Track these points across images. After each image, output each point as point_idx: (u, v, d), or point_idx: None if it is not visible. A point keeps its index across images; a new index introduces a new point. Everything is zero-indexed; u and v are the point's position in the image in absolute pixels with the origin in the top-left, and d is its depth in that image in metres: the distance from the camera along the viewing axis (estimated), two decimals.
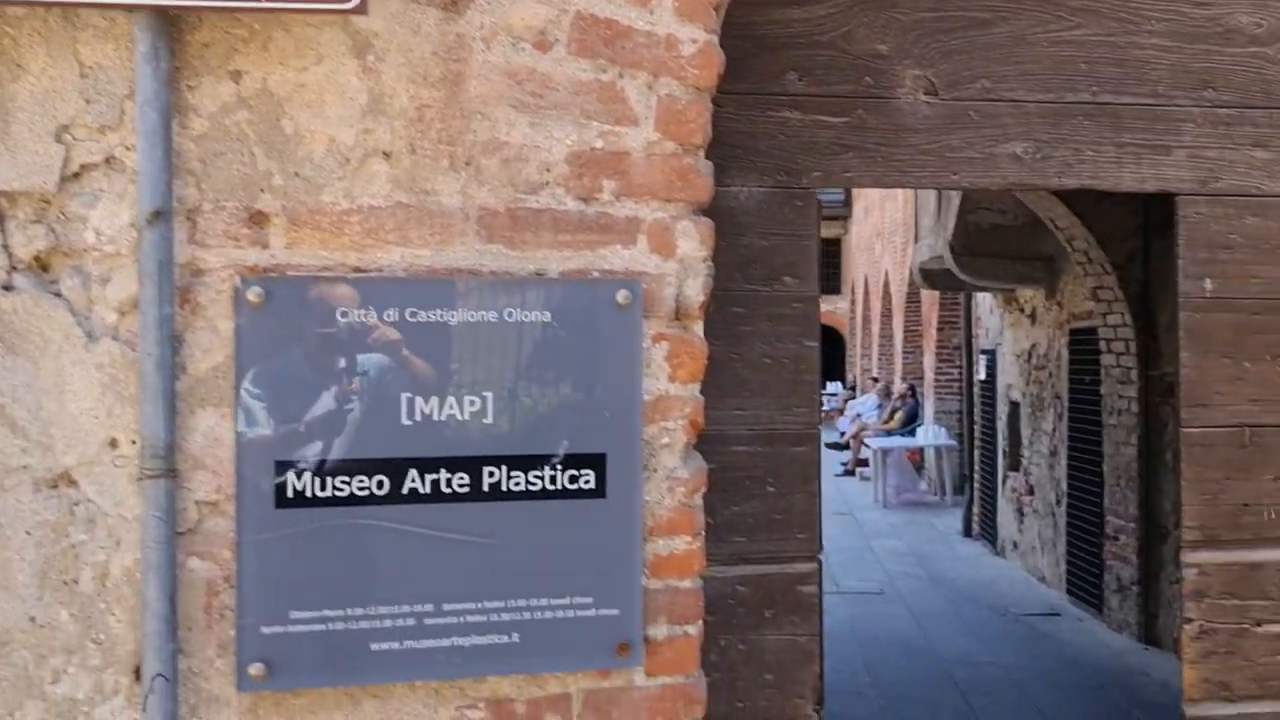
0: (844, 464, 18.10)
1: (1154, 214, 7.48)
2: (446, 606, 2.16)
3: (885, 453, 14.82)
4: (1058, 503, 9.35)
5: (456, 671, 2.17)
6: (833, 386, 29.45)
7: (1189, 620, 2.80)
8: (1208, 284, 2.90)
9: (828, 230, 31.03)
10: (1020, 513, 10.43)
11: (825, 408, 28.01)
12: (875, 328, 23.20)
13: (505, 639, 2.19)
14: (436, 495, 2.15)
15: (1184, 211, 2.89)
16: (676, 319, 2.29)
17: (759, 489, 2.75)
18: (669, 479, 2.28)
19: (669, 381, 2.28)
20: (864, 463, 17.03)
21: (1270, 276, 2.88)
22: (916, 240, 11.02)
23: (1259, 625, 2.79)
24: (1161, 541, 7.50)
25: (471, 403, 2.16)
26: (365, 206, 2.15)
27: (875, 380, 21.02)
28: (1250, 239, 2.88)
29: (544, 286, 2.20)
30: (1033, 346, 10.04)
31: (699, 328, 2.31)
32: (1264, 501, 2.79)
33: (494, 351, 2.18)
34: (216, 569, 2.10)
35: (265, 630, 2.08)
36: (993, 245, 9.49)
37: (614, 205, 2.24)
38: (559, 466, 2.21)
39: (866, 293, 25.18)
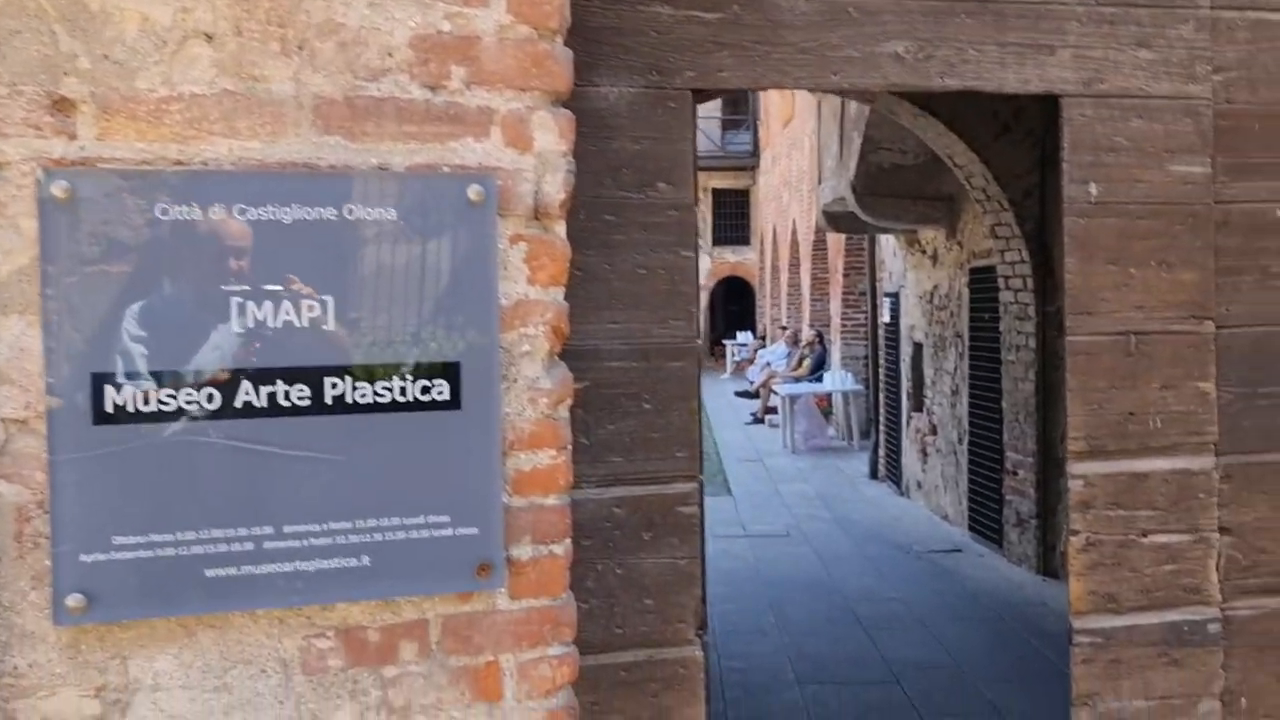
0: (754, 412, 18.16)
1: (1050, 149, 7.50)
2: (288, 529, 2.00)
3: (793, 399, 14.86)
4: (959, 441, 9.43)
5: (301, 598, 2.01)
6: (743, 337, 29.55)
7: (1075, 533, 2.74)
8: (1092, 189, 2.84)
9: (736, 181, 31.06)
10: (924, 453, 10.51)
11: (736, 358, 28.13)
12: (784, 277, 23.26)
13: (355, 562, 2.03)
14: (274, 409, 1.98)
15: (1068, 114, 2.82)
16: (535, 218, 2.13)
17: (635, 406, 2.62)
18: (530, 389, 2.14)
19: (528, 285, 2.13)
20: (773, 410, 17.08)
21: (1155, 181, 2.82)
22: (820, 182, 10.98)
23: (1145, 536, 2.75)
24: (1059, 474, 7.58)
25: (310, 308, 1.99)
26: (186, 94, 1.95)
27: (784, 329, 21.09)
28: (1135, 141, 2.81)
29: (389, 181, 2.03)
30: (934, 287, 10.08)
31: (560, 228, 2.16)
32: (1149, 410, 2.74)
33: (334, 252, 2.00)
34: (28, 493, 1.90)
35: (85, 558, 1.90)
36: (894, 185, 9.47)
37: (464, 94, 2.08)
38: (409, 377, 2.05)
39: (775, 243, 25.23)
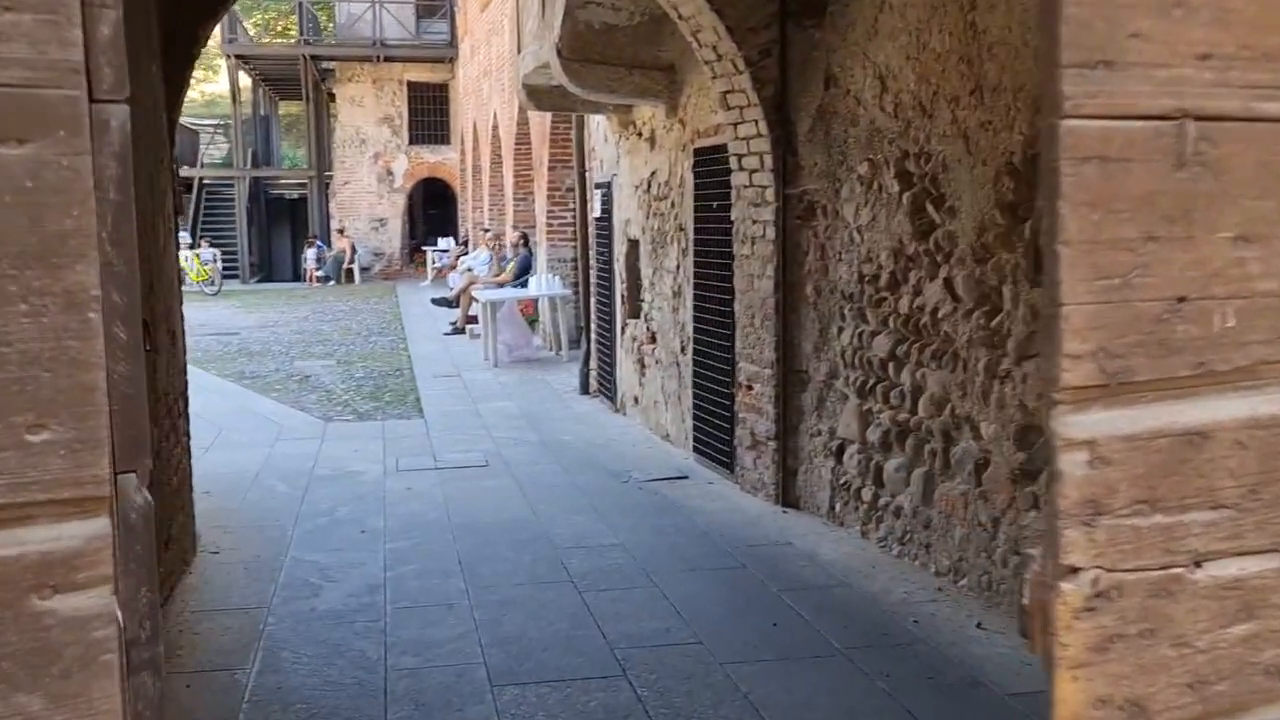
0: (452, 322, 16.50)
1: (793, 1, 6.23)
2: None
3: (494, 307, 13.32)
4: (682, 350, 8.21)
5: None
6: (444, 243, 27.63)
7: (1071, 570, 1.43)
8: None
9: (433, 74, 28.86)
10: (641, 364, 9.27)
11: (436, 264, 26.24)
12: (486, 177, 21.54)
13: None
14: None
15: None
16: None
17: None
18: None
19: None
20: (474, 320, 15.50)
21: None
22: (519, 50, 9.36)
23: (1199, 566, 1.42)
24: (801, 389, 6.45)
25: None
26: None
27: (486, 231, 19.44)
28: None
29: None
30: (653, 174, 8.75)
31: None
32: (1214, 290, 1.38)
33: None
34: None
35: None
36: (606, 50, 8.00)
37: None
38: None
39: (476, 140, 23.40)
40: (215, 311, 20.82)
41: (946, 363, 5.07)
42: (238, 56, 28.23)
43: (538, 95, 9.27)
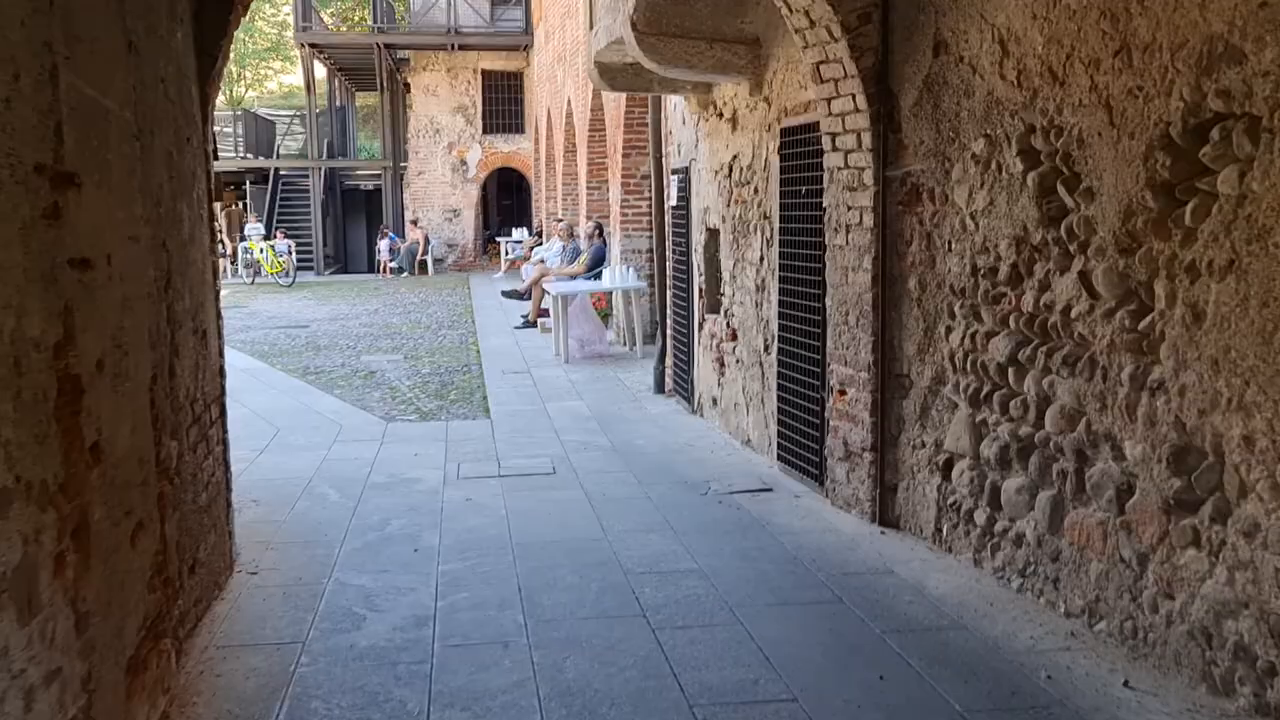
0: (524, 316, 15.98)
1: None
2: None
3: (566, 300, 12.74)
4: (766, 349, 7.54)
5: None
6: (518, 233, 27.21)
7: None
8: None
9: (508, 63, 28.43)
10: (720, 363, 8.62)
11: (510, 256, 25.80)
12: (559, 166, 21.00)
13: None
14: None
15: None
16: None
17: None
18: None
19: None
20: (546, 313, 14.97)
21: None
22: (591, 28, 8.75)
23: None
24: (902, 395, 5.75)
25: None
26: None
27: (559, 222, 18.88)
28: None
29: None
30: (734, 158, 8.08)
31: None
32: None
33: None
34: None
35: None
36: (685, 22, 7.35)
37: None
38: None
39: (550, 128, 22.87)
40: (288, 303, 20.59)
41: (1081, 370, 4.34)
42: (311, 45, 28.02)
43: (611, 74, 8.64)
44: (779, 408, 7.22)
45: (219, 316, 5.20)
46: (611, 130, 14.06)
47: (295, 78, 40.51)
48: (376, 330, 16.14)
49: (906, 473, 5.75)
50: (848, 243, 6.03)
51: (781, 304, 7.11)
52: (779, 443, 7.23)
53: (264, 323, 17.28)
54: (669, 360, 10.25)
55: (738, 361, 8.18)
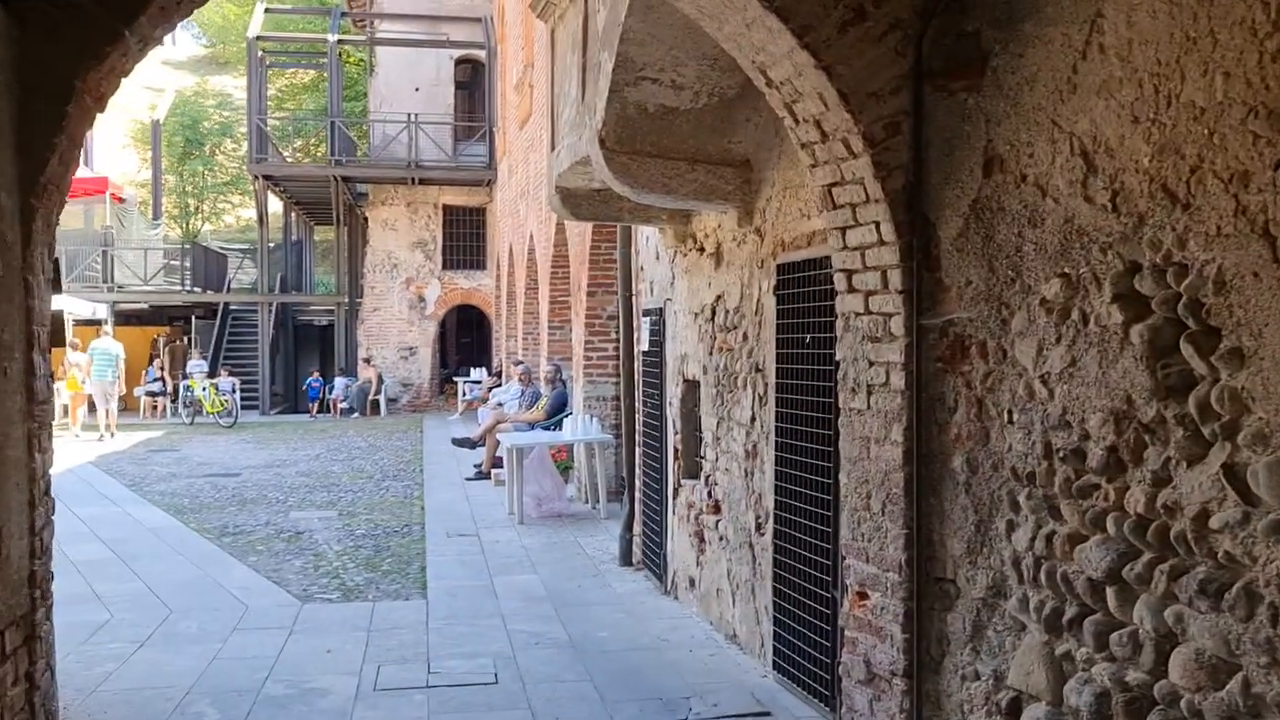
0: (477, 465, 14.60)
1: (935, 50, 4.40)
2: None
3: (521, 452, 11.40)
4: (758, 528, 6.23)
5: None
6: (476, 373, 25.94)
7: None
8: None
9: (470, 198, 27.63)
10: (700, 538, 7.28)
11: (467, 397, 24.50)
12: (520, 303, 19.91)
13: None
14: None
15: None
16: None
17: None
18: None
19: None
20: (500, 462, 13.59)
21: None
22: (553, 149, 7.63)
23: None
24: (945, 606, 4.44)
25: None
26: None
27: (519, 364, 17.65)
28: None
29: None
30: (718, 299, 6.90)
31: None
32: None
33: None
34: None
35: None
36: (662, 140, 6.25)
37: None
38: None
39: (511, 264, 21.85)
40: (223, 447, 19.09)
41: (1232, 604, 3.07)
42: (265, 177, 27.07)
43: (575, 201, 7.50)
44: (775, 602, 5.88)
45: (33, 505, 3.82)
46: (575, 266, 12.95)
47: (252, 211, 39.68)
48: (314, 480, 14.68)
49: (954, 711, 4.39)
50: (869, 406, 4.78)
51: (779, 476, 5.83)
52: (775, 646, 5.87)
53: (191, 470, 15.78)
54: (637, 527, 8.90)
55: (722, 539, 6.85)
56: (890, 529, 4.64)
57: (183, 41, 56.07)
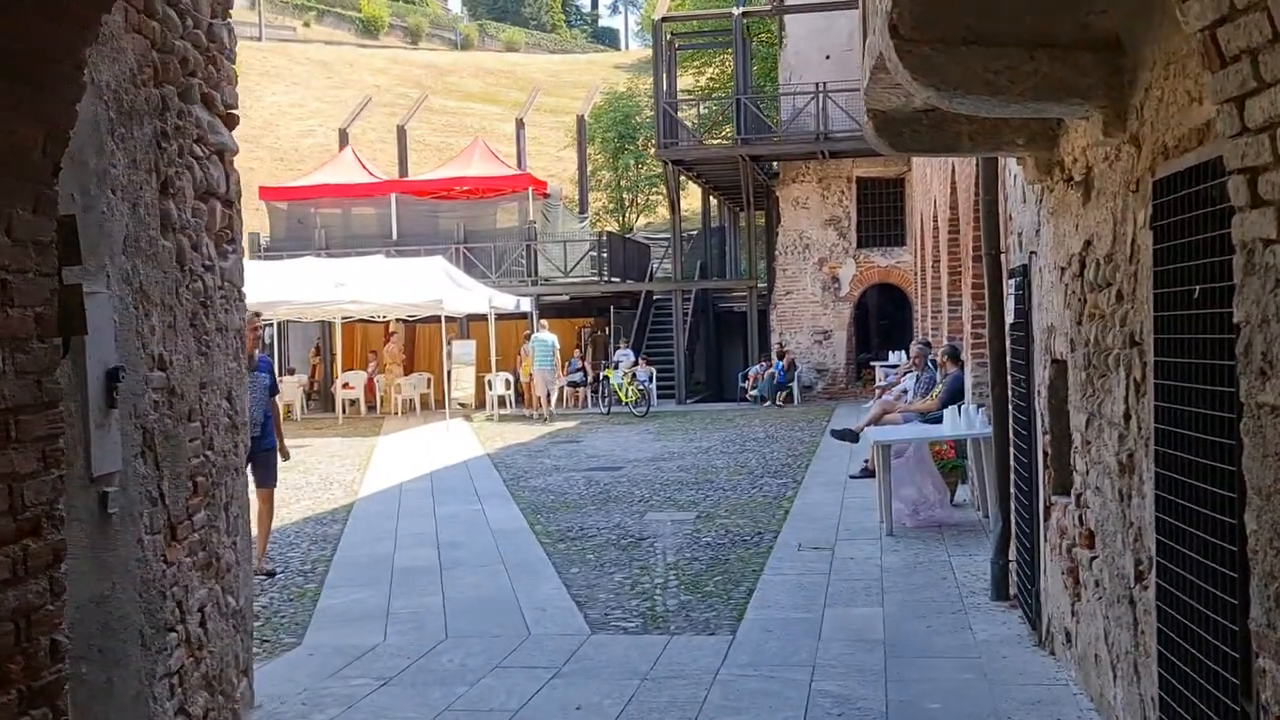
0: (865, 461, 12.89)
1: None
2: None
3: (887, 449, 9.59)
4: (1138, 577, 4.19)
5: None
6: (895, 357, 24.00)
7: None
8: None
9: (886, 169, 25.66)
10: (1074, 578, 5.27)
11: (881, 383, 22.70)
12: (928, 278, 17.88)
13: None
14: None
15: None
16: None
17: None
18: None
19: None
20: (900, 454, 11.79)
21: None
22: (864, 57, 5.87)
23: None
24: None
25: None
26: None
27: (920, 344, 15.66)
28: None
29: None
30: (1086, 245, 4.87)
31: None
32: None
33: None
34: None
35: None
36: (984, 19, 4.36)
37: None
38: None
39: (923, 235, 19.81)
40: (624, 438, 18.64)
41: None
42: (675, 162, 26.70)
43: (893, 128, 5.69)
44: (1160, 696, 3.85)
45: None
46: (964, 226, 10.92)
47: (693, 202, 39.84)
48: (690, 476, 13.64)
49: None
50: None
51: (1162, 505, 3.80)
52: None
53: (577, 463, 15.31)
54: (1012, 551, 6.92)
55: (1097, 584, 4.83)
56: None
57: (633, 44, 57.83)
